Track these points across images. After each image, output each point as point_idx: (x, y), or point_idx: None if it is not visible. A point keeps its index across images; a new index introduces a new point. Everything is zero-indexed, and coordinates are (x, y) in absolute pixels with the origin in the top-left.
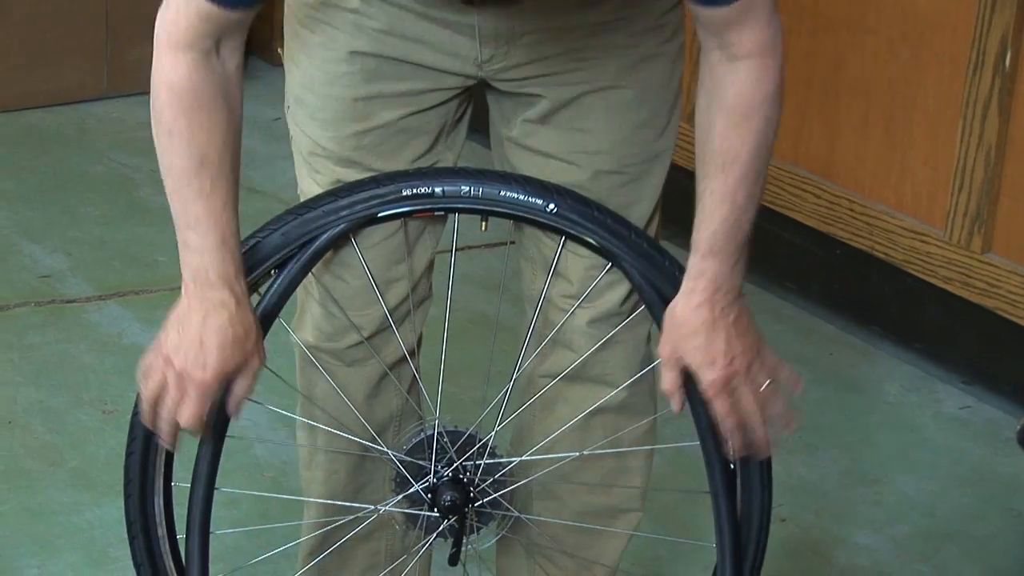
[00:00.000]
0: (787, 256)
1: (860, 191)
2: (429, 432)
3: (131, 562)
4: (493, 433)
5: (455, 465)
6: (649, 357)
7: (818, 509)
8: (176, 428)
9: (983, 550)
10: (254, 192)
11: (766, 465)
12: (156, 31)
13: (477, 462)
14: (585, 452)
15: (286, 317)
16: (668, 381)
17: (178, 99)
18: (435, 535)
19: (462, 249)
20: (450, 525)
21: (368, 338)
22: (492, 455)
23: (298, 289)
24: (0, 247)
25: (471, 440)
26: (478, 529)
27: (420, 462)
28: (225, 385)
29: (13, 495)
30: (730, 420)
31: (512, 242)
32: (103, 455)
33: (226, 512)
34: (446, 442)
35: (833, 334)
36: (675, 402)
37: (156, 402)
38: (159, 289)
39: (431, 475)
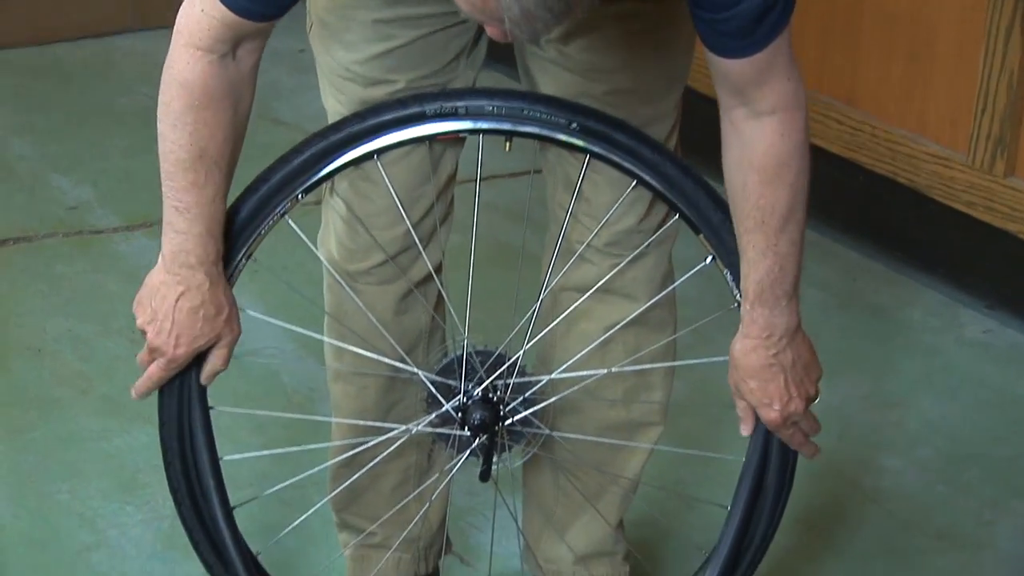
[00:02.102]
0: (810, 182)
1: (883, 117)
2: (458, 352)
3: (162, 487)
4: (522, 352)
5: (485, 384)
6: (671, 273)
7: (841, 433)
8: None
9: (1006, 472)
10: (279, 124)
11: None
12: (178, 23)
13: (507, 381)
14: (614, 369)
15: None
16: (739, 408)
17: (188, 96)
18: (467, 453)
19: (485, 179)
20: (481, 443)
21: (393, 256)
22: (521, 373)
23: (323, 208)
24: (28, 179)
25: (500, 359)
26: (508, 447)
27: (450, 382)
28: (197, 356)
29: (43, 422)
30: (791, 444)
31: (538, 171)
32: (131, 382)
33: (254, 438)
34: (476, 362)
35: (856, 260)
36: (744, 426)
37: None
38: None
39: (461, 394)
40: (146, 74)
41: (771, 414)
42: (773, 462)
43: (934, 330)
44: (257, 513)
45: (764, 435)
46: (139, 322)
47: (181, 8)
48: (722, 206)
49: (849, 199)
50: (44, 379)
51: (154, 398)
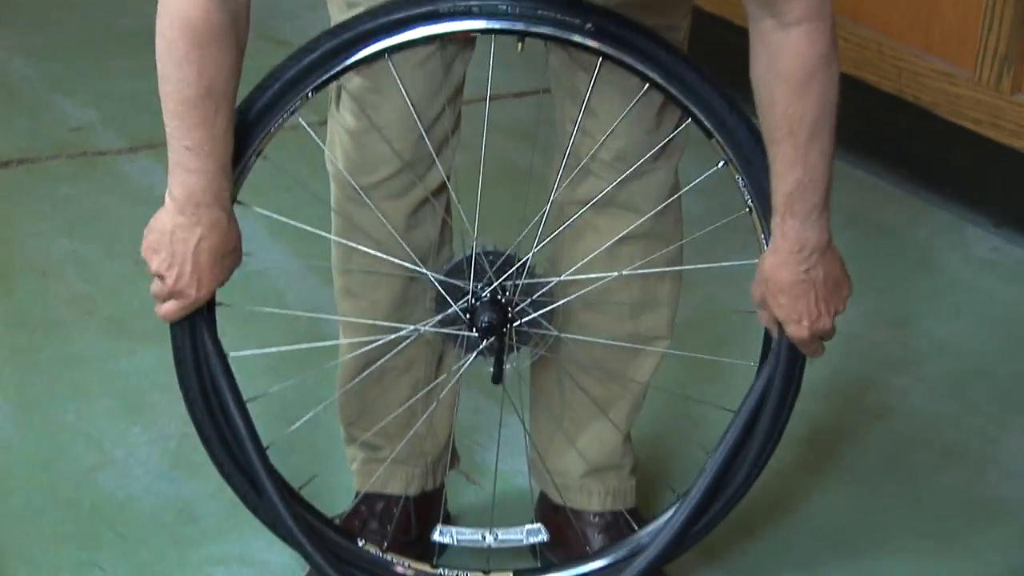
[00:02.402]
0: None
1: (889, 34)
2: (468, 252)
3: (168, 407)
4: (531, 253)
5: (494, 285)
6: (677, 188)
7: (846, 351)
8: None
9: (1011, 388)
10: (282, 44)
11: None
12: None
13: (516, 282)
14: (625, 272)
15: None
16: (762, 319)
17: (193, 33)
18: (474, 354)
19: (490, 99)
20: (490, 344)
21: (402, 169)
22: (531, 275)
23: (329, 123)
24: (31, 101)
25: (510, 260)
26: (518, 349)
27: (459, 283)
28: None
29: (49, 344)
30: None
31: (547, 90)
32: (136, 304)
33: (260, 359)
34: (485, 262)
35: (862, 179)
36: (773, 332)
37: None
38: None
39: (470, 295)
40: None
41: (800, 331)
42: (766, 413)
43: (940, 248)
44: (267, 410)
45: (763, 387)
46: (154, 267)
47: None
48: (737, 110)
49: (855, 118)
50: (49, 301)
51: (153, 314)
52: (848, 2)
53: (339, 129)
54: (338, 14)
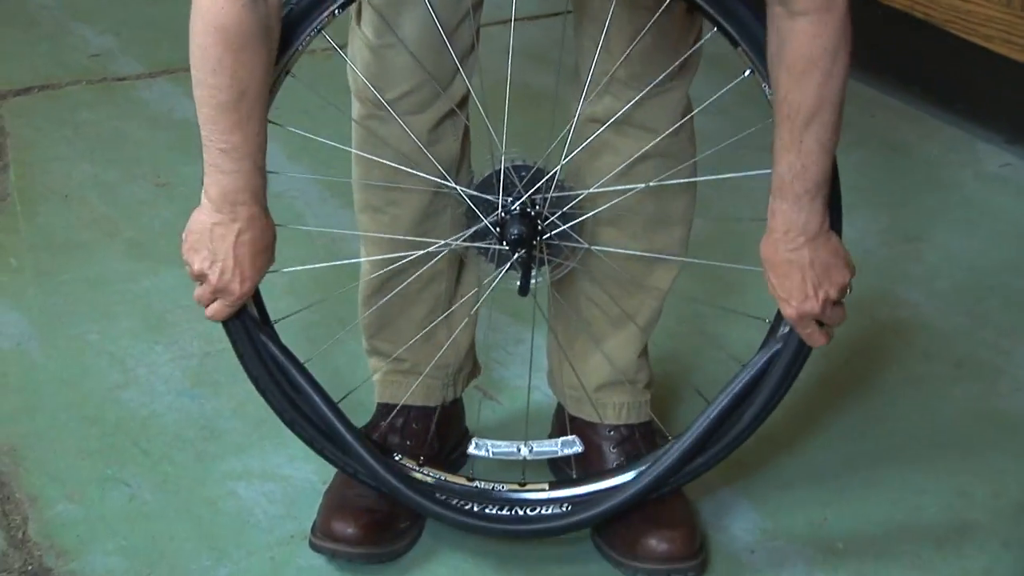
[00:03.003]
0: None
1: None
2: (497, 167)
3: (190, 326)
4: (560, 166)
5: (523, 198)
6: (689, 106)
7: (860, 267)
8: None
9: (1023, 302)
10: None
11: None
12: None
13: (545, 195)
14: (651, 184)
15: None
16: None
17: (225, 39)
18: (506, 267)
19: (506, 22)
20: (520, 258)
21: (422, 83)
22: (559, 188)
23: (350, 39)
24: (50, 28)
25: (538, 174)
26: (548, 261)
27: (488, 196)
28: None
29: (72, 265)
30: (808, 341)
31: (569, 11)
32: (157, 226)
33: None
34: (514, 176)
35: (874, 96)
36: None
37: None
38: None
39: (500, 209)
40: None
41: (787, 309)
42: (771, 377)
43: (952, 165)
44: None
45: (770, 356)
46: (196, 267)
47: None
48: (762, 18)
49: (867, 35)
50: (71, 224)
51: (174, 235)
52: None
53: (360, 44)
54: None
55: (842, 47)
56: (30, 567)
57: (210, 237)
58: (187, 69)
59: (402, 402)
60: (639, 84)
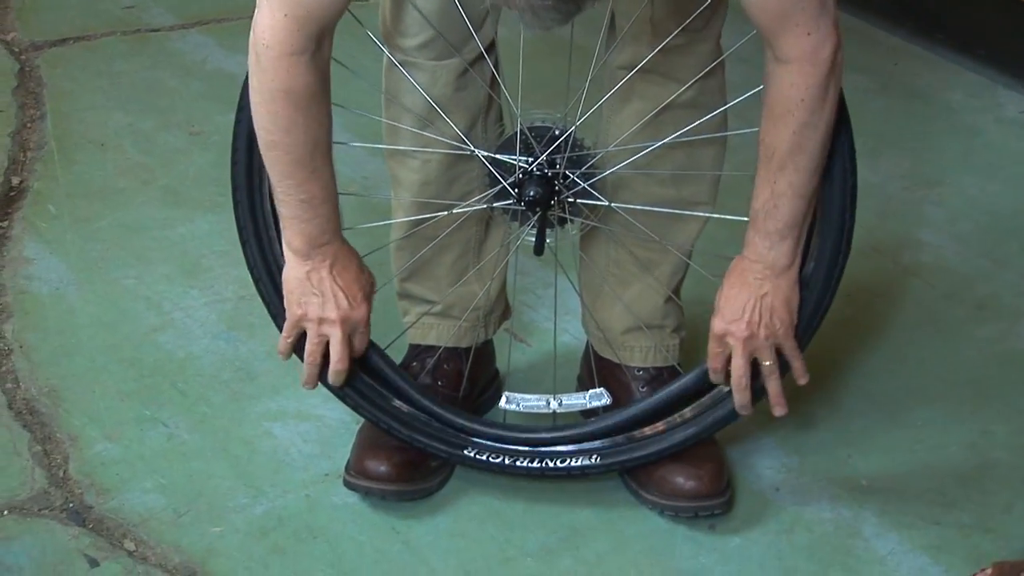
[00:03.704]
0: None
1: None
2: (515, 129)
3: (224, 271)
4: (575, 126)
5: (539, 160)
6: (718, 56)
7: (881, 211)
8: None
9: None
10: None
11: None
12: (257, 39)
13: (565, 155)
14: (669, 139)
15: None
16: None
17: (295, 101)
18: (528, 226)
19: None
20: (540, 216)
21: (446, 32)
22: (578, 146)
23: None
24: None
25: (556, 134)
26: (571, 220)
27: (510, 159)
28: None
29: (108, 212)
30: (718, 369)
31: None
32: (192, 173)
33: None
34: (531, 137)
35: (896, 44)
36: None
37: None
38: (239, 17)
39: (517, 171)
40: None
41: (717, 322)
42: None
43: (973, 110)
44: None
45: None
46: (312, 314)
47: (257, 23)
48: None
49: None
50: (108, 171)
51: (208, 183)
52: None
53: None
54: None
55: (824, 99)
56: (71, 505)
57: (309, 284)
58: (219, 20)
59: (434, 343)
60: (666, 32)
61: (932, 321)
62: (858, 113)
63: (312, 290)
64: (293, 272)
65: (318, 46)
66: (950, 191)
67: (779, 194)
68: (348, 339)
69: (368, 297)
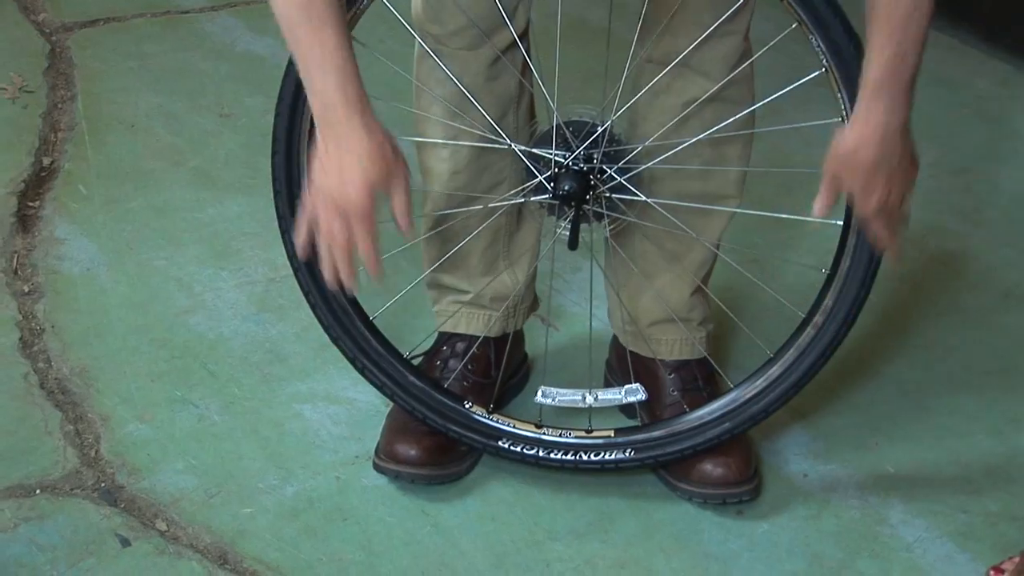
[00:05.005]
0: None
1: None
2: (551, 123)
3: (253, 253)
4: (610, 122)
5: (575, 153)
6: (749, 52)
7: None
8: (352, 267)
9: None
10: None
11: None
12: None
13: (601, 150)
14: (704, 136)
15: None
16: (823, 199)
17: None
18: (565, 223)
19: None
20: (575, 211)
21: (479, 21)
22: (613, 141)
23: None
24: None
25: (592, 128)
26: (605, 215)
27: (544, 153)
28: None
29: (139, 193)
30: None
31: None
32: (222, 155)
33: None
34: (567, 132)
35: None
36: (819, 209)
37: (331, 251)
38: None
39: (553, 167)
40: None
41: (867, 206)
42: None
43: (1000, 98)
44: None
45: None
46: (351, 186)
47: None
48: None
49: None
50: (138, 153)
51: (238, 164)
52: None
53: None
54: None
55: None
56: (103, 484)
57: (322, 165)
58: (248, 3)
59: (463, 332)
60: (699, 24)
61: (958, 309)
62: None
63: (322, 172)
64: (317, 147)
65: None
66: (976, 179)
67: (904, 45)
68: (358, 229)
69: (366, 186)
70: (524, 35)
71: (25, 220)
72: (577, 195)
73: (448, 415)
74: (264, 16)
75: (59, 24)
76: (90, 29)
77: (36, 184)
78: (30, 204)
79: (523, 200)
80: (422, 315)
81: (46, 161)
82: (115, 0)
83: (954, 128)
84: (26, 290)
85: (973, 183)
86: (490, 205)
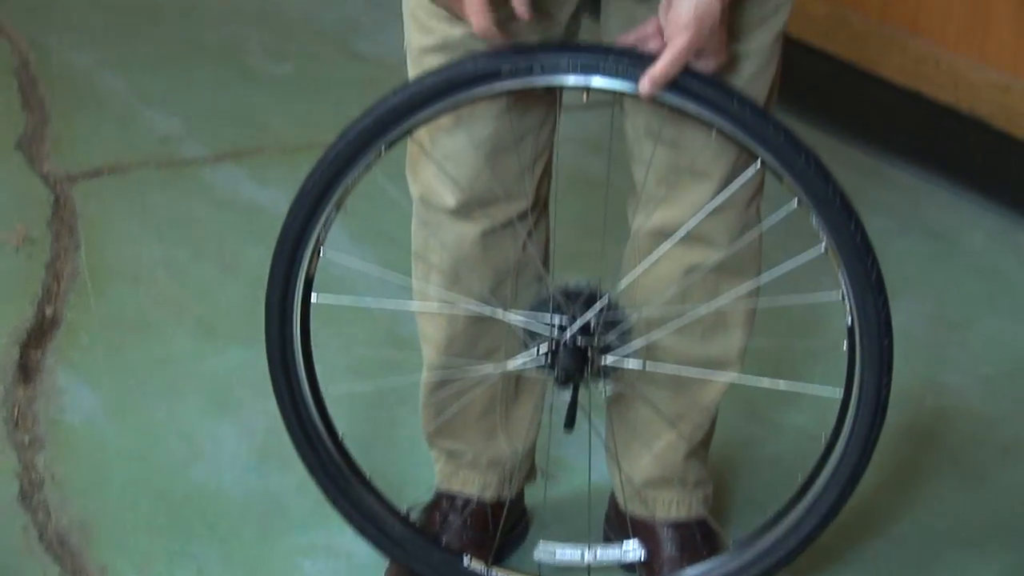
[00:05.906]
0: (873, 112)
1: (946, 46)
2: (547, 292)
3: (255, 404)
4: (607, 295)
5: (572, 329)
6: (751, 221)
7: (905, 353)
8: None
9: None
10: (358, 58)
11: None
12: None
13: (599, 324)
14: (716, 304)
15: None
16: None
17: None
18: (571, 394)
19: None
20: (573, 391)
21: (478, 195)
22: (611, 311)
23: (410, 145)
24: (120, 112)
25: (590, 298)
26: (604, 386)
27: (539, 323)
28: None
29: (141, 343)
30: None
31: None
32: (224, 305)
33: (342, 359)
34: (563, 302)
35: (918, 186)
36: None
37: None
38: (271, 150)
39: (550, 340)
40: (231, 13)
41: (716, 62)
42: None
43: (996, 252)
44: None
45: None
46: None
47: None
48: (804, 151)
49: (911, 128)
50: (140, 303)
51: (239, 315)
52: (905, 15)
53: (421, 153)
54: (413, 34)
55: None
56: None
57: None
58: (251, 154)
59: (460, 491)
60: (692, 190)
61: (957, 464)
62: (880, 254)
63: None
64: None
65: None
66: (974, 333)
67: None
68: None
69: None
70: (526, 213)
71: (27, 370)
72: (575, 374)
73: (447, 572)
74: (266, 166)
75: (64, 174)
76: (94, 179)
77: (39, 334)
78: (32, 353)
79: (520, 370)
80: (423, 463)
81: (49, 311)
82: (119, 151)
83: (950, 282)
84: (26, 441)
85: (970, 338)
86: (481, 373)
